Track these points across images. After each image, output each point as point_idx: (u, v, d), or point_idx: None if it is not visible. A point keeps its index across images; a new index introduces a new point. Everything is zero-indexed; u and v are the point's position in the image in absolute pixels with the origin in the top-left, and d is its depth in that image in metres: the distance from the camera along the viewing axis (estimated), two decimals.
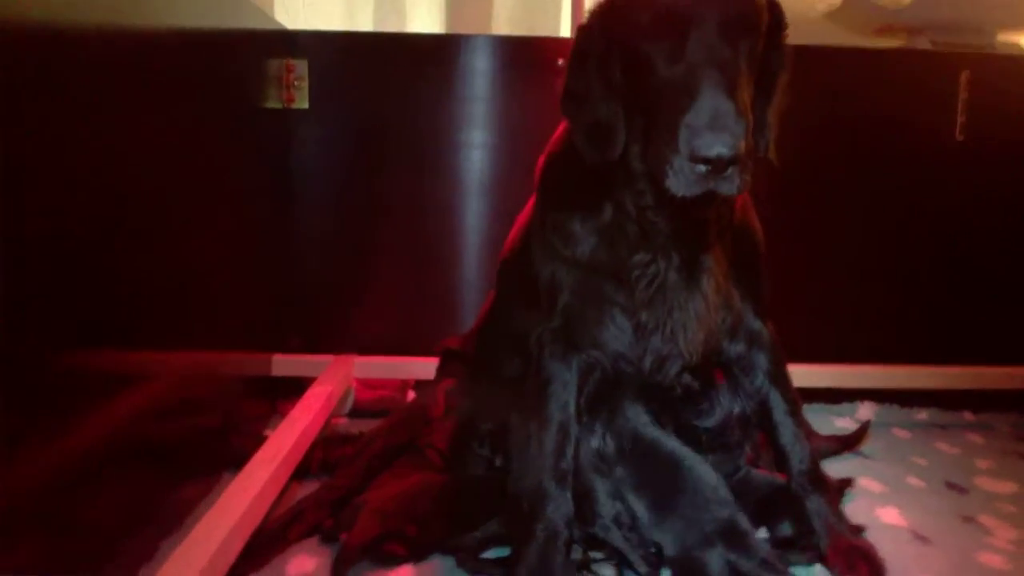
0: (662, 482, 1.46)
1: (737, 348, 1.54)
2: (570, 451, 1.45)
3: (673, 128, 1.14)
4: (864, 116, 2.38)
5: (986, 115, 2.38)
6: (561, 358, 1.47)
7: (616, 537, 1.43)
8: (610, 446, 1.50)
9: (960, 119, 2.38)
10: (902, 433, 2.32)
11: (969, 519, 1.72)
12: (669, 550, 1.40)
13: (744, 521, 1.39)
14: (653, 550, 1.41)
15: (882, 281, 2.47)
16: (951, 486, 1.91)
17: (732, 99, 1.13)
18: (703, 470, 1.46)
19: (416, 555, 1.45)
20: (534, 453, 1.44)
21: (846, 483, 1.80)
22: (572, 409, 1.47)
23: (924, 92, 2.39)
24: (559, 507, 1.40)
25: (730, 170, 1.13)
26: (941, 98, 2.39)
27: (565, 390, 1.47)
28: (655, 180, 1.23)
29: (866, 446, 2.13)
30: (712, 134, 1.10)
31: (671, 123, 1.15)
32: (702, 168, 1.12)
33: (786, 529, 1.51)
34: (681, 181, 1.15)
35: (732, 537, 1.33)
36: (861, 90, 2.37)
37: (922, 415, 2.45)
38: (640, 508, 1.46)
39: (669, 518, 1.41)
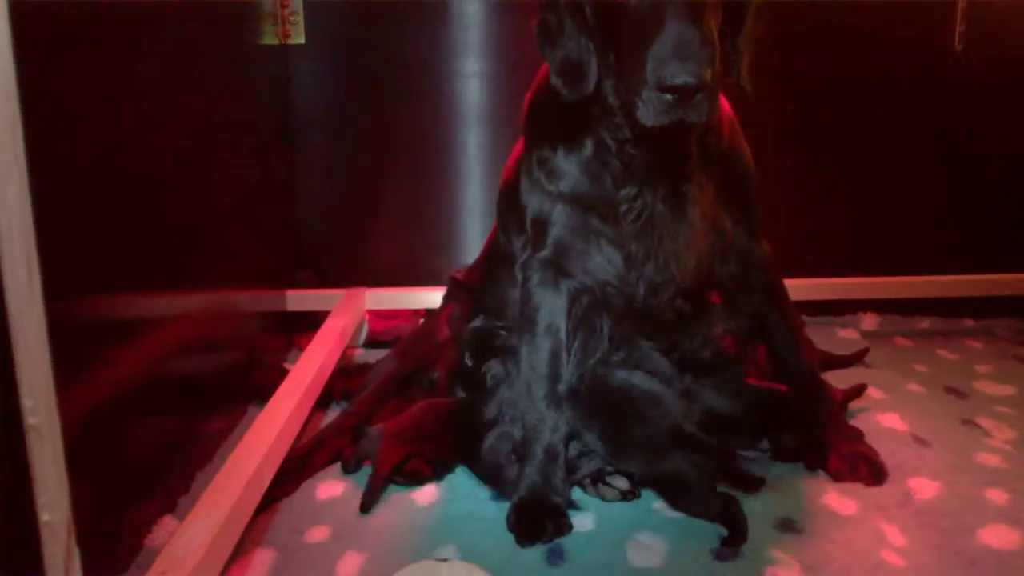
0: (609, 412, 1.50)
1: (730, 269, 1.58)
2: (563, 374, 1.50)
3: (641, 59, 1.15)
4: (861, 28, 2.36)
5: (985, 24, 2.36)
6: (551, 285, 1.51)
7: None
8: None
9: (959, 28, 2.36)
10: (904, 341, 2.37)
11: (968, 422, 1.78)
12: (636, 473, 1.45)
13: (688, 424, 1.45)
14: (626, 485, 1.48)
15: (883, 194, 2.50)
16: (951, 391, 1.97)
17: (698, 27, 1.13)
18: (651, 387, 1.51)
19: (438, 472, 1.53)
20: (528, 378, 1.50)
21: (858, 389, 1.85)
22: (563, 334, 1.51)
23: (922, 1, 2.37)
24: (557, 428, 1.47)
25: (698, 97, 1.13)
26: (940, 7, 2.37)
27: (555, 316, 1.51)
28: (629, 113, 1.24)
29: (869, 355, 2.19)
30: (677, 63, 1.11)
31: (639, 54, 1.15)
32: (669, 97, 1.13)
33: (788, 440, 1.57)
34: (650, 111, 1.16)
35: (681, 440, 1.40)
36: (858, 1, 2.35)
37: (924, 323, 2.51)
38: (594, 441, 1.50)
39: (624, 444, 1.46)
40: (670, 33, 1.12)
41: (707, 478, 1.36)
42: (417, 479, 1.51)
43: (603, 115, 1.39)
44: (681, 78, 1.11)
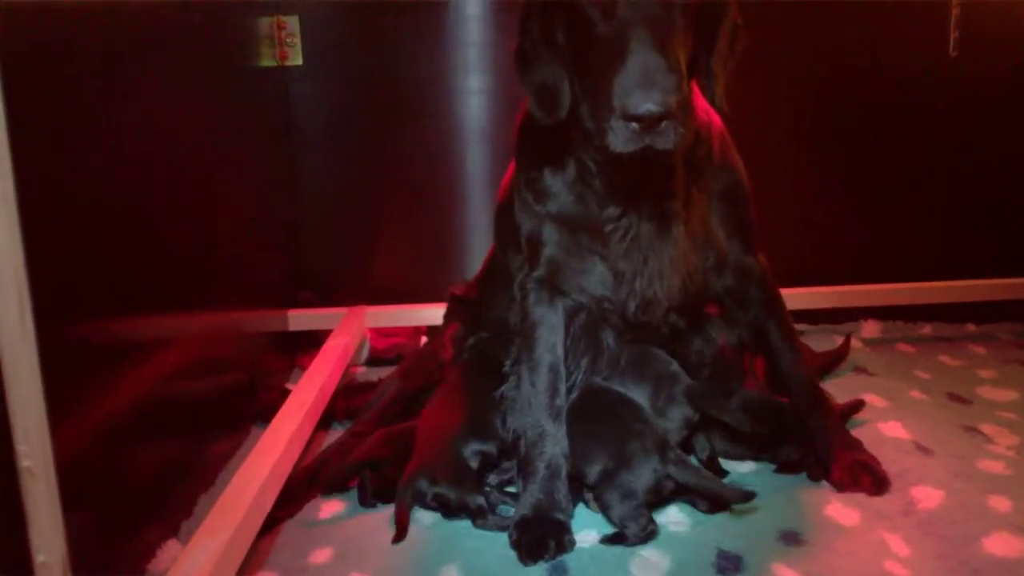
0: (593, 419, 1.50)
1: (726, 283, 1.58)
2: (562, 389, 1.51)
3: (607, 87, 1.16)
4: (856, 35, 2.37)
5: (979, 31, 2.37)
6: (547, 302, 1.52)
7: None
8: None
9: (953, 35, 2.37)
10: (906, 348, 2.37)
11: (970, 428, 1.77)
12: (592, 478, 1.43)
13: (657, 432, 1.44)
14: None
15: (882, 200, 2.50)
16: (953, 397, 1.97)
17: (662, 54, 1.14)
18: (634, 402, 1.51)
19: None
20: (528, 394, 1.50)
21: (855, 405, 1.82)
22: (560, 350, 1.52)
23: (916, 9, 2.38)
24: (557, 442, 1.47)
25: (663, 125, 1.14)
26: (934, 14, 2.38)
27: (553, 332, 1.52)
28: (600, 138, 1.24)
29: (870, 363, 2.18)
30: (641, 92, 1.12)
31: (606, 82, 1.17)
32: (635, 125, 1.14)
33: (790, 453, 1.57)
34: (618, 138, 1.17)
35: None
36: (852, 9, 2.35)
37: (926, 329, 2.50)
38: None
39: (593, 448, 1.44)
40: (635, 61, 1.13)
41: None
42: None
43: (582, 138, 1.40)
44: (645, 107, 1.12)
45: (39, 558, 0.77)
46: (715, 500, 1.41)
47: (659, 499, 1.40)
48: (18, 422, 0.75)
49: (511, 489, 1.52)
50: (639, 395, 1.54)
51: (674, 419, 1.51)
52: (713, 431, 1.58)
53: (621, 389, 1.54)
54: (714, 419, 1.56)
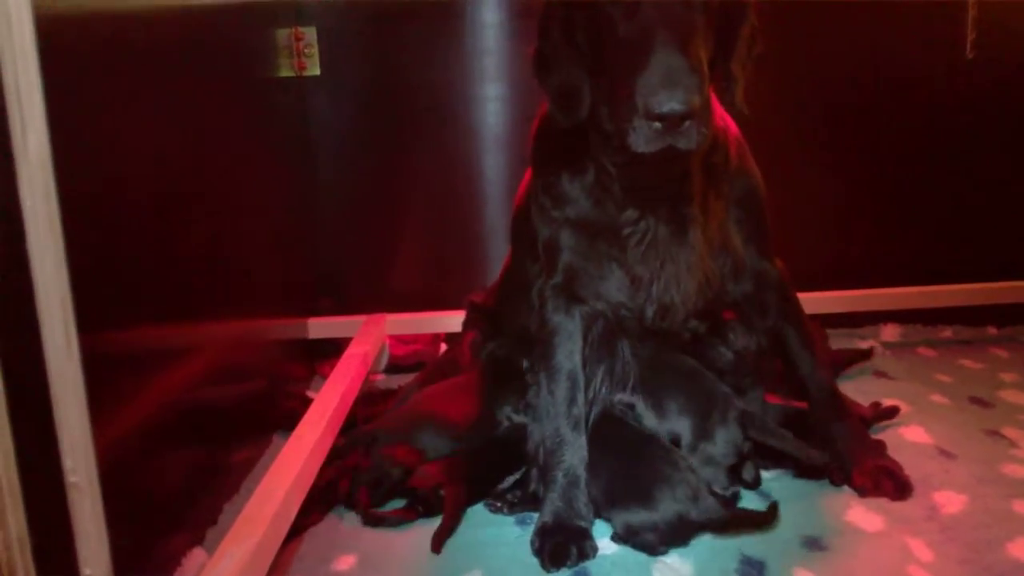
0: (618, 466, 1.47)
1: (744, 289, 1.58)
2: (580, 397, 1.51)
3: (630, 87, 1.17)
4: (871, 37, 2.37)
5: (997, 31, 2.35)
6: (565, 310, 1.52)
7: None
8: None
9: (970, 36, 2.36)
10: (927, 352, 2.36)
11: (993, 432, 1.76)
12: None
13: (689, 478, 1.40)
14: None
15: (898, 204, 2.49)
16: (975, 401, 1.96)
17: (685, 55, 1.15)
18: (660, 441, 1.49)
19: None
20: (546, 403, 1.51)
21: (890, 411, 1.81)
22: (578, 358, 1.52)
23: (932, 9, 2.37)
24: (576, 451, 1.47)
25: (686, 124, 1.16)
26: (950, 15, 2.36)
27: (571, 340, 1.52)
28: (621, 139, 1.25)
29: (891, 367, 2.18)
30: (664, 91, 1.13)
31: (628, 82, 1.18)
32: (658, 125, 1.15)
33: (811, 458, 1.55)
34: (640, 138, 1.18)
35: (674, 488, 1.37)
36: (867, 10, 2.35)
37: (946, 332, 2.49)
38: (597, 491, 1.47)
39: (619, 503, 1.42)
40: (658, 61, 1.15)
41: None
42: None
43: (601, 140, 1.41)
44: (668, 106, 1.13)
45: (86, 571, 0.79)
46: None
47: (677, 541, 1.37)
48: (64, 438, 0.76)
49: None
50: (681, 416, 1.52)
51: (722, 445, 1.48)
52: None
53: (658, 409, 1.54)
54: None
